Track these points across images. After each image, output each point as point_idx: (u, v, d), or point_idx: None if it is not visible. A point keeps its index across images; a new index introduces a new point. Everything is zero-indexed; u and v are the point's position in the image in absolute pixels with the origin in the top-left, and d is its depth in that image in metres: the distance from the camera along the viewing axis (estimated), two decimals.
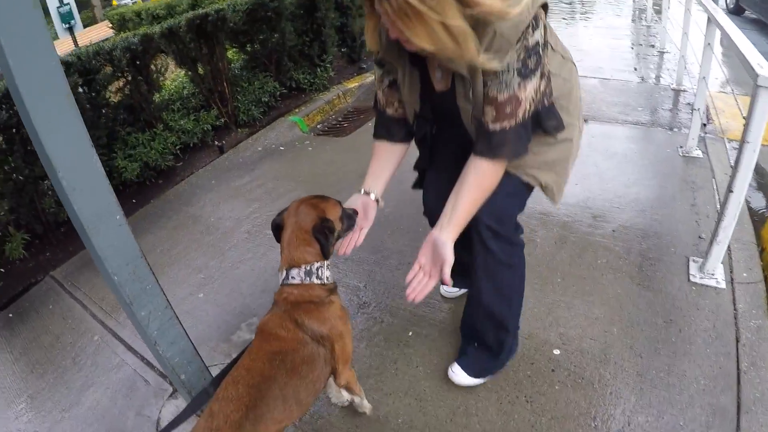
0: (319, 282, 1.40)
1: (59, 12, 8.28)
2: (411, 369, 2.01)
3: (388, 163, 1.67)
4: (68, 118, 1.23)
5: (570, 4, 8.83)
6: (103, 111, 3.61)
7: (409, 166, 1.86)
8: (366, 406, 1.80)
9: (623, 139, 3.69)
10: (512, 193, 1.55)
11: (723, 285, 2.20)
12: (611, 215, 2.76)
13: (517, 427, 1.74)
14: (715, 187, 2.92)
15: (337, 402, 1.86)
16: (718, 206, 2.67)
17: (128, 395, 2.09)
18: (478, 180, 1.40)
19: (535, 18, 1.23)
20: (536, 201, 1.95)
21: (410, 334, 2.16)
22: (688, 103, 4.20)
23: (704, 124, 3.49)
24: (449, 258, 1.36)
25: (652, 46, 6.00)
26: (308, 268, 1.39)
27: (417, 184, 1.92)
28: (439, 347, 2.08)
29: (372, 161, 1.68)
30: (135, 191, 3.81)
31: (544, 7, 1.28)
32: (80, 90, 3.40)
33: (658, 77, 5.00)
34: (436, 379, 1.95)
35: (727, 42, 2.32)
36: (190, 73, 4.37)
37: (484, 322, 1.81)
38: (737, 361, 1.88)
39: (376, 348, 2.11)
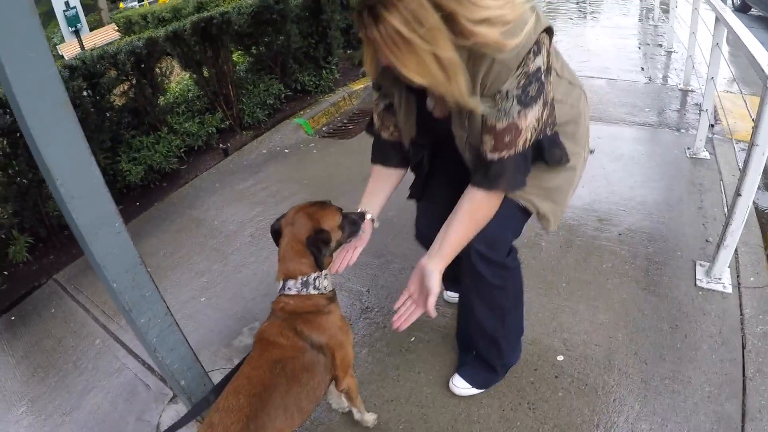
0: (316, 292, 1.39)
1: (66, 15, 8.33)
2: (413, 375, 1.99)
3: (385, 186, 1.64)
4: (66, 126, 1.22)
5: (577, 3, 8.77)
6: (108, 114, 3.63)
7: None
8: (367, 420, 1.77)
9: (630, 140, 3.66)
10: (507, 216, 1.47)
11: (729, 290, 2.17)
12: (617, 218, 2.73)
13: None
14: (722, 190, 2.88)
15: (338, 408, 1.84)
16: (726, 209, 2.63)
17: (129, 399, 2.09)
18: (472, 211, 1.36)
19: (537, 43, 1.17)
20: None
21: (413, 339, 2.14)
22: (696, 104, 4.16)
23: (712, 125, 3.45)
24: (435, 289, 1.32)
25: (660, 45, 5.94)
26: (305, 279, 1.38)
27: (412, 195, 1.85)
28: (441, 353, 2.06)
29: (369, 181, 1.65)
30: (139, 194, 3.81)
31: (549, 31, 1.22)
32: (84, 94, 3.41)
33: (665, 77, 4.95)
34: (438, 385, 1.93)
35: (735, 41, 2.29)
36: (195, 76, 4.38)
37: (478, 337, 1.79)
38: (743, 368, 1.85)
39: (378, 354, 2.10)
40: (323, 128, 4.84)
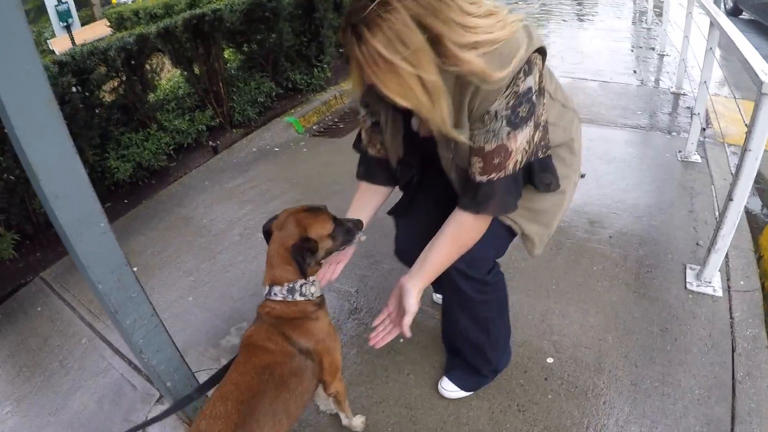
0: (303, 298, 1.36)
1: (57, 10, 8.22)
2: (402, 377, 1.97)
3: (370, 203, 1.60)
4: (51, 125, 1.20)
5: (570, 5, 8.80)
6: (97, 111, 3.58)
7: None
8: (355, 424, 1.75)
9: (622, 143, 3.67)
10: (491, 236, 1.40)
11: (720, 293, 2.18)
12: (608, 221, 2.73)
13: None
14: (713, 193, 2.89)
15: (326, 410, 1.83)
16: (717, 213, 2.64)
17: (115, 400, 2.06)
18: (457, 234, 1.32)
19: (529, 62, 1.13)
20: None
21: (401, 341, 2.12)
22: (688, 107, 4.18)
23: (703, 129, 3.47)
24: (411, 309, 1.29)
25: (652, 48, 5.97)
26: (291, 285, 1.34)
27: (395, 212, 1.77)
28: (430, 354, 2.05)
29: (354, 198, 1.62)
30: (127, 192, 3.78)
31: (542, 51, 1.18)
32: (74, 90, 3.37)
33: (657, 80, 4.98)
34: (427, 387, 1.92)
35: (727, 45, 2.29)
36: (185, 73, 4.34)
37: (464, 347, 1.78)
38: (732, 371, 1.85)
39: (366, 355, 2.08)
40: (314, 127, 4.81)
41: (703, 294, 2.19)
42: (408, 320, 1.30)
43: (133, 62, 3.76)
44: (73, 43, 8.16)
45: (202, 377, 1.93)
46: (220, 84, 4.42)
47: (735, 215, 2.02)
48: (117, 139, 3.72)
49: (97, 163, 3.54)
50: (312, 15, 5.06)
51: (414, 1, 1.02)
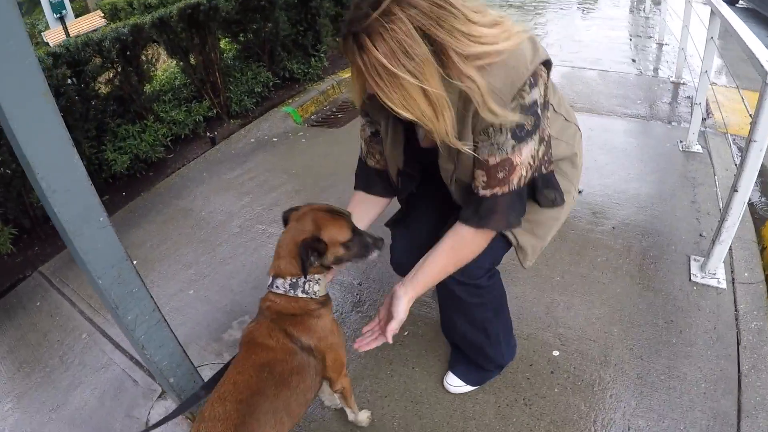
0: (305, 296, 1.33)
1: (50, 2, 8.12)
2: (407, 370, 1.96)
3: (367, 214, 1.57)
4: (47, 118, 1.17)
5: None
6: (93, 103, 3.54)
7: None
8: (361, 420, 1.74)
9: (622, 132, 3.64)
10: (487, 245, 1.36)
11: (724, 285, 2.17)
12: (611, 211, 2.72)
13: None
14: (716, 184, 2.87)
15: (331, 405, 1.81)
16: (720, 203, 2.63)
17: (116, 396, 2.04)
18: (456, 246, 1.30)
19: (534, 75, 1.11)
20: None
21: (406, 333, 2.11)
22: (688, 96, 4.16)
23: (704, 118, 3.45)
24: (399, 316, 1.27)
25: (650, 37, 5.94)
26: (294, 280, 1.32)
27: (392, 224, 1.72)
28: (435, 347, 2.03)
29: (350, 206, 1.57)
30: (125, 184, 3.74)
31: (547, 64, 1.16)
32: (69, 82, 3.32)
33: (656, 69, 4.95)
34: (433, 380, 1.91)
35: (725, 34, 2.26)
36: (181, 63, 4.29)
37: (465, 346, 1.77)
38: (738, 364, 1.85)
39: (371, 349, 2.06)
40: (312, 117, 4.77)
41: (708, 286, 2.18)
42: (394, 326, 1.28)
43: (128, 53, 3.71)
44: (67, 34, 8.07)
45: (205, 372, 1.92)
46: (217, 74, 4.37)
47: (740, 206, 2.00)
48: (113, 131, 3.68)
49: (94, 155, 3.50)
50: (308, 4, 4.99)
51: (418, 10, 0.99)
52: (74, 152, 1.23)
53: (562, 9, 7.65)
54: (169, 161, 4.02)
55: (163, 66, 4.80)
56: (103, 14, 7.73)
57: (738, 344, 1.92)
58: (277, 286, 1.33)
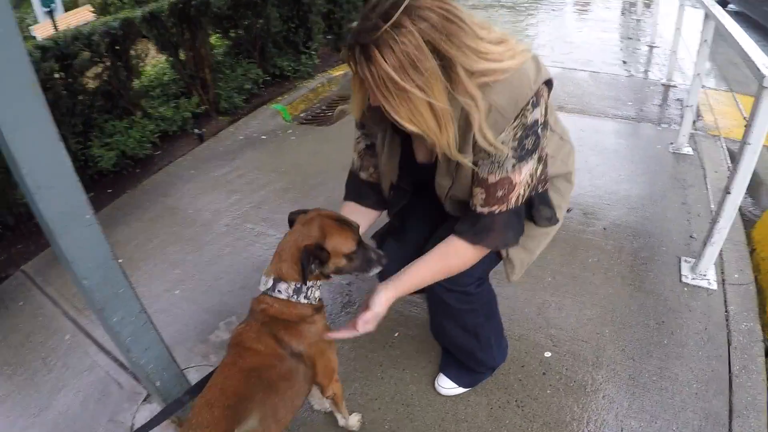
0: (306, 302, 1.30)
1: None
2: (398, 372, 1.94)
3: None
4: (34, 110, 1.12)
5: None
6: (80, 97, 3.47)
7: None
8: (351, 424, 1.71)
9: (612, 133, 3.65)
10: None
11: (715, 286, 2.17)
12: (602, 212, 2.71)
13: None
14: (706, 186, 2.88)
15: (320, 408, 1.79)
16: (712, 205, 2.63)
17: (100, 400, 2.00)
18: (447, 255, 1.28)
19: (537, 95, 1.11)
20: None
21: (396, 335, 2.09)
22: (678, 99, 4.17)
23: (694, 121, 3.46)
24: (375, 308, 1.25)
25: (641, 40, 5.96)
26: (298, 285, 1.28)
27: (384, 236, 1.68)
28: (426, 349, 2.01)
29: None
30: (111, 181, 3.67)
31: (548, 84, 1.16)
32: (56, 76, 3.26)
33: (647, 71, 4.96)
34: (424, 382, 1.89)
35: (716, 37, 2.26)
36: (171, 59, 4.23)
37: (453, 348, 1.76)
38: (729, 365, 1.85)
39: (361, 350, 2.04)
40: (302, 115, 4.72)
41: (699, 287, 2.18)
42: (367, 316, 1.25)
43: (117, 47, 3.65)
44: (56, 29, 7.93)
45: (192, 375, 1.89)
46: (207, 70, 4.31)
47: (732, 208, 2.01)
48: (100, 126, 3.61)
49: (80, 151, 3.43)
50: (300, 0, 4.95)
51: (429, 24, 0.98)
52: (61, 147, 1.18)
53: (553, 10, 7.67)
54: (157, 158, 3.95)
55: (153, 61, 4.73)
56: (92, 8, 7.61)
57: (729, 345, 1.92)
58: (279, 291, 1.28)
